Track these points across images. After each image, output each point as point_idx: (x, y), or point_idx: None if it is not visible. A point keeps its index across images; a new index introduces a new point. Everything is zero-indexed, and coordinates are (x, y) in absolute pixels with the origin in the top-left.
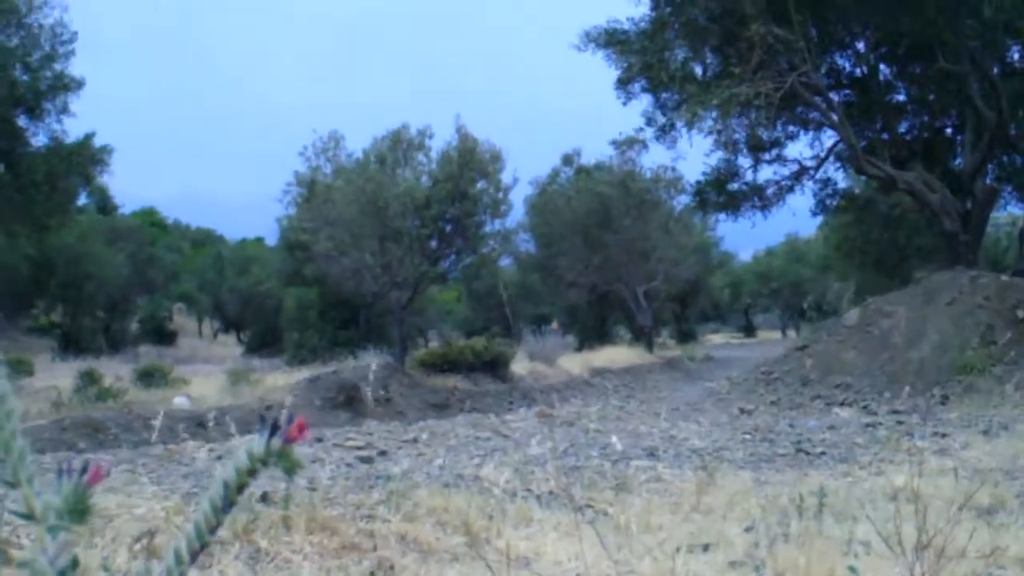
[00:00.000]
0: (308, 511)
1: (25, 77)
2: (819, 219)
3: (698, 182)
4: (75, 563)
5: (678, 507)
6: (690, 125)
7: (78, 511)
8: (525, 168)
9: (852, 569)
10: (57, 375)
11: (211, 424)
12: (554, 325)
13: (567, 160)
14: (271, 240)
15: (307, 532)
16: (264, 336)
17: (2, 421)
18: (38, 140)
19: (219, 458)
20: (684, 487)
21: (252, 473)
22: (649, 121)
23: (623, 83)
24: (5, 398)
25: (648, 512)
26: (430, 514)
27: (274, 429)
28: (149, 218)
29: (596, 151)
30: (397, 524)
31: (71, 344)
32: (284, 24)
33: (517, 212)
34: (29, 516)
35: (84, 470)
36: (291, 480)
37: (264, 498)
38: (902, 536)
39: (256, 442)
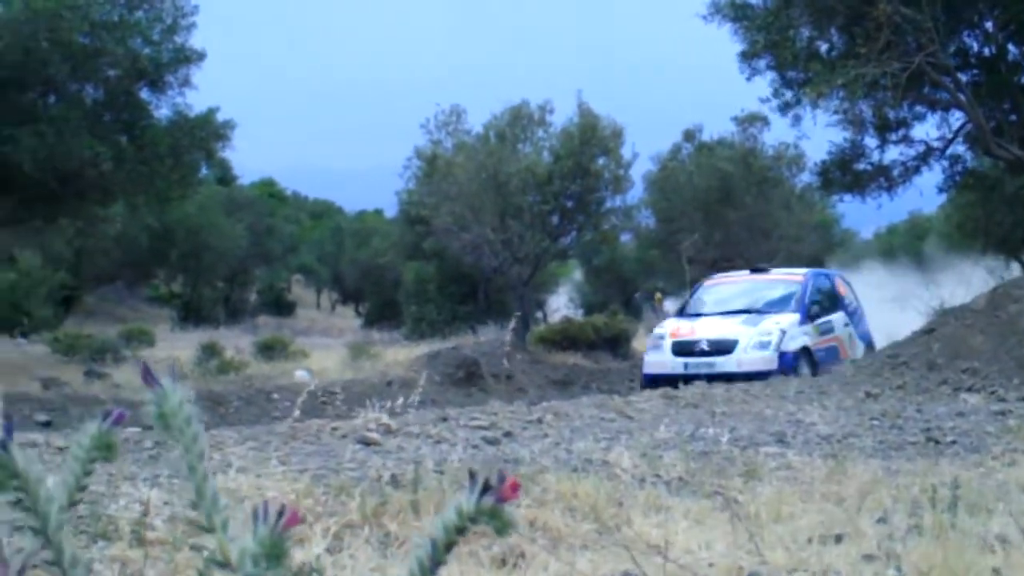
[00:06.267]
0: (437, 495)
1: (147, 50)
2: (944, 197)
3: (823, 162)
4: None
5: (808, 495)
6: (815, 105)
7: (275, 556)
8: (645, 143)
9: (996, 572)
10: (177, 345)
11: (339, 399)
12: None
13: (688, 136)
14: (389, 212)
15: (436, 516)
16: (382, 309)
17: (188, 447)
18: (161, 113)
19: (343, 436)
20: (814, 475)
21: (461, 531)
22: (775, 93)
23: (747, 57)
24: (190, 420)
25: (779, 500)
26: (559, 499)
27: (486, 487)
28: (268, 189)
29: (717, 127)
30: (526, 509)
31: (191, 314)
32: None
33: (637, 188)
34: (225, 564)
35: (280, 514)
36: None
37: (393, 481)
38: None
39: (466, 499)
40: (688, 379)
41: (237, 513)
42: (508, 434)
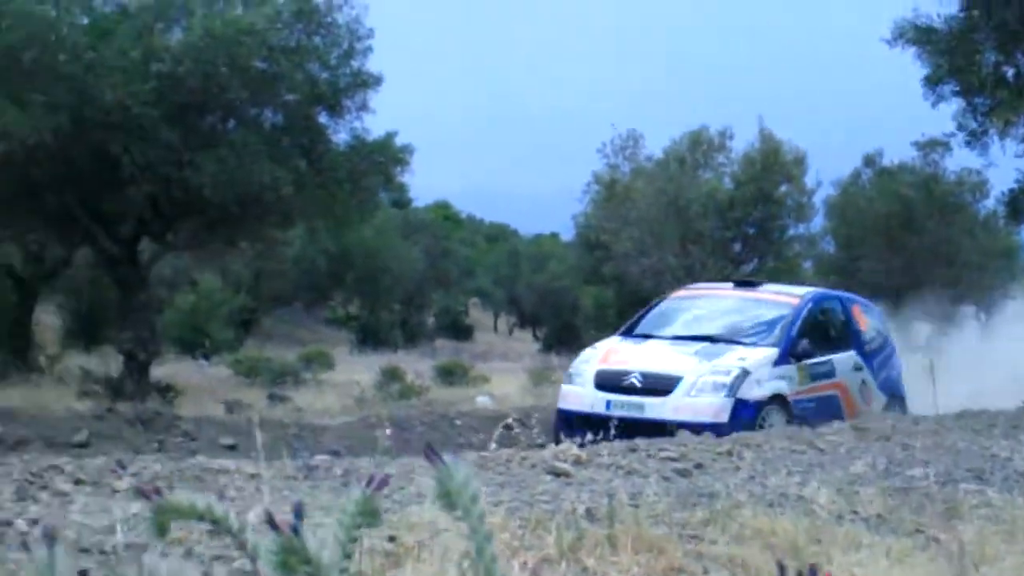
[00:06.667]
0: (633, 530)
1: (325, 75)
2: None
3: (1011, 191)
4: None
5: (1012, 536)
6: (1003, 133)
7: None
8: (824, 168)
9: None
10: (355, 369)
11: (535, 429)
12: None
13: (868, 161)
14: (565, 236)
15: (633, 552)
16: (560, 333)
17: (475, 527)
18: (339, 138)
19: (533, 467)
20: (1016, 514)
21: None
22: (960, 126)
23: (931, 83)
24: (476, 498)
25: (981, 541)
26: (756, 536)
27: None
28: (443, 212)
29: (898, 152)
30: (725, 547)
31: (369, 337)
32: (583, 19)
33: (819, 215)
34: None
35: None
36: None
37: (588, 514)
38: None
39: None
40: (612, 423)
41: (434, 547)
42: (699, 466)
